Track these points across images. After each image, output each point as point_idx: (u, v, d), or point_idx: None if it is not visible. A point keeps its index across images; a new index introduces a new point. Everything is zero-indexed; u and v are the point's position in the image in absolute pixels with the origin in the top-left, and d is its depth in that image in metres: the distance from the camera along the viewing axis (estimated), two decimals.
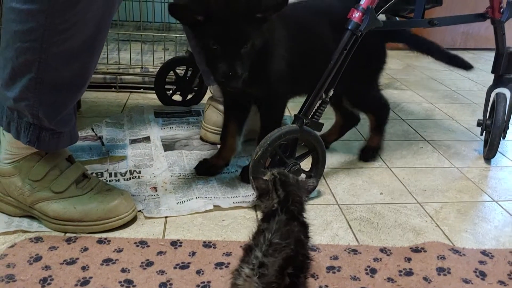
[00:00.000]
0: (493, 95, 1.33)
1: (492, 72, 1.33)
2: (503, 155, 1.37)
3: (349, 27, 1.02)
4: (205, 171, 1.16)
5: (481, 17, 1.25)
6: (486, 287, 0.82)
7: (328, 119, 1.31)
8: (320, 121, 1.05)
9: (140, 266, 0.83)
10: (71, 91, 0.87)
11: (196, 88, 1.57)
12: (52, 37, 0.78)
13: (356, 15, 1.03)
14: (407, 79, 2.15)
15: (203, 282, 0.79)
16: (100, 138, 1.32)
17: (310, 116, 1.04)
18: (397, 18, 1.36)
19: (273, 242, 0.66)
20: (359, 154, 1.31)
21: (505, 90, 1.31)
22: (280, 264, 0.63)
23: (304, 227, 0.74)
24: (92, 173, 1.09)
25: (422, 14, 1.20)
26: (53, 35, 0.78)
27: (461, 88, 2.04)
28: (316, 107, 1.05)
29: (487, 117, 1.34)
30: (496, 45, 1.29)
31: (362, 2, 1.03)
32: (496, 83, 1.33)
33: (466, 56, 2.68)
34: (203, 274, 0.81)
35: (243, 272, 0.64)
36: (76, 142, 0.96)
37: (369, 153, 1.30)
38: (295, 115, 1.03)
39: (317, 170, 1.08)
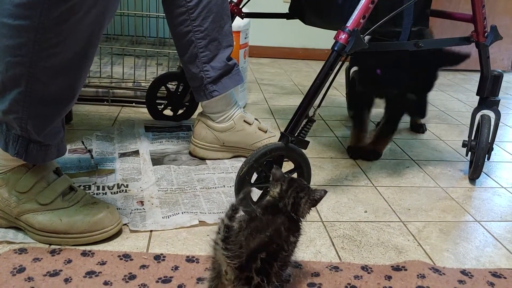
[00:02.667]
0: (478, 116, 1.36)
1: (477, 94, 1.35)
2: (488, 176, 1.39)
3: (335, 49, 1.05)
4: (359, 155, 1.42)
5: (466, 40, 1.28)
6: None
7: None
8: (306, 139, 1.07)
9: (123, 279, 0.83)
10: (60, 104, 0.88)
11: (187, 104, 1.59)
12: (42, 52, 0.80)
13: (342, 36, 1.05)
14: None
15: None
16: (90, 151, 1.34)
17: (296, 134, 1.06)
18: None
19: (252, 226, 0.72)
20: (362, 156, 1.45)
21: (489, 112, 1.34)
22: (254, 246, 0.68)
23: (292, 223, 0.77)
24: (79, 186, 1.10)
25: (408, 37, 1.23)
26: (43, 50, 0.80)
27: (450, 109, 2.07)
28: (302, 125, 1.07)
29: (472, 138, 1.37)
30: (481, 68, 1.31)
31: (348, 24, 1.05)
32: (481, 105, 1.35)
33: (457, 77, 2.74)
34: None
35: (217, 244, 0.68)
36: (63, 155, 0.97)
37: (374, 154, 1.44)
38: (281, 133, 1.05)
39: None
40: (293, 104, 1.99)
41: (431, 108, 2.07)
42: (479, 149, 1.30)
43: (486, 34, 1.27)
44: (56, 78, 0.84)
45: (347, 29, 1.05)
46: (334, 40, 1.07)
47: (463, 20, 1.31)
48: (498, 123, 1.33)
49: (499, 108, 1.33)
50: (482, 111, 1.35)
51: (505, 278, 0.92)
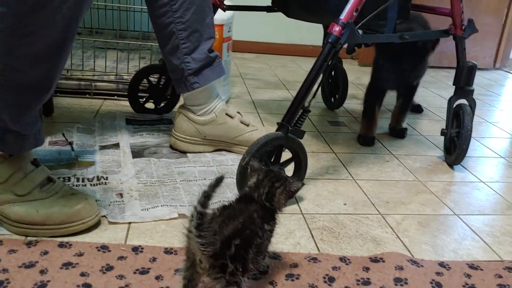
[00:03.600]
0: (454, 105, 1.40)
1: (454, 84, 1.39)
2: (467, 170, 1.41)
3: (330, 40, 1.07)
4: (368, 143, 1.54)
5: (445, 33, 1.31)
6: None
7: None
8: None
9: (100, 270, 0.83)
10: (36, 94, 0.87)
11: (169, 96, 1.58)
12: (18, 40, 0.79)
13: (336, 29, 1.07)
14: None
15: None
16: (71, 143, 1.32)
17: (293, 124, 1.07)
18: None
19: (225, 213, 0.73)
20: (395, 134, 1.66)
21: (464, 101, 1.38)
22: (228, 233, 0.69)
23: (266, 211, 0.77)
24: (59, 178, 1.09)
25: (393, 29, 1.25)
26: (19, 38, 0.78)
27: (431, 105, 2.09)
28: (298, 116, 1.08)
29: (452, 126, 1.41)
30: (457, 60, 1.36)
31: (342, 17, 1.08)
32: (457, 94, 1.40)
33: (440, 74, 2.76)
34: (162, 279, 0.82)
35: (190, 232, 0.69)
36: (41, 145, 0.96)
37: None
38: (279, 123, 1.06)
39: (300, 175, 1.12)
40: (277, 98, 1.99)
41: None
42: (463, 136, 1.33)
43: (463, 27, 1.30)
44: (32, 67, 0.83)
45: (340, 22, 1.08)
46: (321, 36, 1.09)
47: (442, 14, 1.34)
48: (474, 111, 1.37)
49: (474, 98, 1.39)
50: (458, 100, 1.39)
51: (481, 270, 0.93)
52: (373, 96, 1.59)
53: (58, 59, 0.86)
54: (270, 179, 0.79)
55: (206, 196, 0.66)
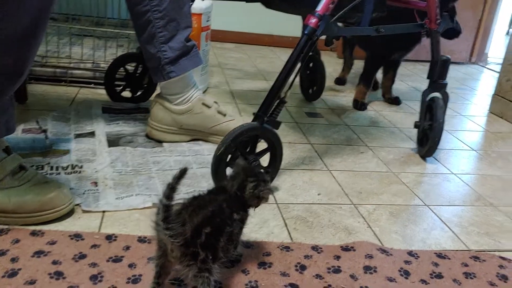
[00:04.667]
0: (427, 98, 1.43)
1: (428, 77, 1.42)
2: (439, 162, 1.44)
3: (306, 32, 1.08)
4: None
5: (420, 27, 1.33)
6: (409, 285, 0.87)
7: None
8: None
9: (72, 258, 0.83)
10: (6, 80, 0.86)
11: (145, 85, 1.57)
12: None
13: (313, 21, 1.09)
14: None
15: (135, 275, 0.80)
16: (45, 131, 1.31)
17: (269, 115, 1.08)
18: None
19: (195, 203, 0.74)
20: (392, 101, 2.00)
21: (438, 94, 1.41)
22: (198, 221, 0.70)
23: (236, 201, 0.79)
24: (32, 166, 1.08)
25: (369, 22, 1.26)
26: None
27: (407, 98, 2.12)
28: (274, 106, 1.09)
29: (424, 119, 1.44)
30: (432, 53, 1.38)
31: (318, 9, 1.09)
32: (431, 88, 1.42)
33: (417, 67, 2.80)
34: (135, 267, 0.82)
35: (158, 226, 0.69)
36: (12, 133, 0.94)
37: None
38: (255, 114, 1.07)
39: (275, 166, 1.13)
40: (255, 89, 1.99)
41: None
42: (435, 128, 1.36)
43: (438, 21, 1.32)
44: (4, 53, 0.82)
45: (317, 14, 1.09)
46: (300, 27, 1.10)
47: (417, 8, 1.36)
48: (447, 104, 1.40)
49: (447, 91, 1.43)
50: (431, 93, 1.42)
51: (449, 258, 0.96)
52: (373, 64, 1.90)
53: (31, 45, 0.85)
54: (245, 173, 0.81)
55: (171, 188, 0.67)
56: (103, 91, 1.60)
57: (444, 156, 1.49)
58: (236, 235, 0.78)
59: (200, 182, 1.13)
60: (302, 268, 0.87)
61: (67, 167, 1.14)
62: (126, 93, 1.58)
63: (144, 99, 1.59)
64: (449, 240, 1.03)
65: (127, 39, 1.88)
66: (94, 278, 0.78)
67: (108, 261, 0.83)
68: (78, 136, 1.31)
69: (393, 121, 1.78)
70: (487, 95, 2.28)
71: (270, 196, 1.09)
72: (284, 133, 1.51)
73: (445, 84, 1.40)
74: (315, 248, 0.93)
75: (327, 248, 0.94)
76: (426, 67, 1.43)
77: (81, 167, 1.14)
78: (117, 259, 0.84)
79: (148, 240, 0.90)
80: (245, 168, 0.83)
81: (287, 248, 0.92)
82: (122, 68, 1.55)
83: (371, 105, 1.94)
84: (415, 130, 1.51)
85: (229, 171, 1.07)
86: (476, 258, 0.97)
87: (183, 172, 0.68)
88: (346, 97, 2.03)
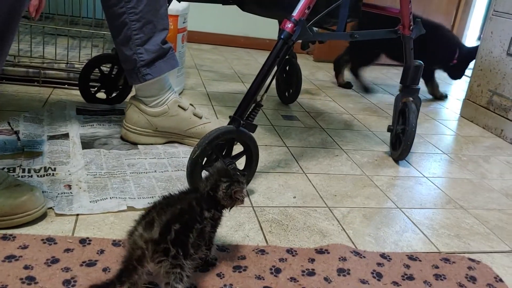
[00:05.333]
0: (400, 103, 1.46)
1: (401, 82, 1.45)
2: (411, 165, 1.47)
3: (282, 37, 1.09)
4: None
5: (393, 33, 1.35)
6: (381, 287, 0.88)
7: None
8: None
9: (45, 263, 0.82)
10: None
11: (121, 87, 1.56)
12: None
13: (289, 25, 1.10)
14: (332, 91, 2.24)
15: (109, 280, 0.79)
16: (16, 132, 1.28)
17: (245, 118, 1.08)
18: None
19: (164, 202, 0.76)
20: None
21: (410, 99, 1.44)
22: (167, 218, 0.72)
23: (207, 199, 0.80)
24: (3, 168, 1.06)
25: (344, 28, 1.28)
26: None
27: (381, 102, 2.16)
28: (250, 110, 1.10)
29: (397, 123, 1.47)
30: (405, 59, 1.41)
31: (294, 14, 1.10)
32: (403, 92, 1.45)
33: (391, 72, 2.85)
34: (109, 271, 0.81)
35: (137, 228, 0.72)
36: None
37: None
38: (231, 117, 1.07)
39: (251, 169, 1.13)
40: (231, 91, 2.00)
41: (363, 100, 2.16)
42: (408, 132, 1.39)
43: (411, 27, 1.35)
44: None
45: (293, 19, 1.10)
46: (277, 29, 1.11)
47: (391, 14, 1.38)
48: (419, 108, 1.43)
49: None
50: (404, 97, 1.45)
51: (420, 260, 0.98)
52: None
53: (2, 45, 0.84)
54: (219, 173, 0.82)
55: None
56: (78, 92, 1.58)
57: (417, 160, 1.53)
58: (208, 234, 0.79)
59: (175, 185, 1.13)
60: (277, 271, 0.88)
61: (40, 169, 1.12)
62: (101, 95, 1.57)
63: (119, 101, 1.57)
64: (420, 242, 1.06)
65: (102, 39, 1.86)
66: (67, 283, 0.77)
67: (81, 265, 0.82)
68: (51, 137, 1.29)
69: (367, 125, 1.81)
70: (458, 100, 2.34)
71: (246, 199, 1.10)
72: (260, 136, 1.52)
73: (418, 89, 1.43)
74: (290, 251, 0.94)
75: (301, 251, 0.95)
76: (400, 71, 1.45)
77: (54, 169, 1.13)
78: (91, 263, 0.83)
79: (123, 243, 0.89)
80: (220, 169, 0.84)
81: (262, 251, 0.93)
82: (97, 69, 1.54)
83: (346, 109, 1.97)
84: (389, 134, 1.54)
85: (204, 174, 1.07)
86: (446, 260, 0.99)
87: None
88: (321, 100, 2.05)
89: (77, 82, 1.59)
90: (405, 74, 1.41)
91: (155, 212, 0.73)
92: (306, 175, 1.30)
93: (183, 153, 1.30)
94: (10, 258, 0.81)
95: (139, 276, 0.70)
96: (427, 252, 1.02)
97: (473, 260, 1.00)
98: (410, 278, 0.92)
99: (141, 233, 0.71)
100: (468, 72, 2.90)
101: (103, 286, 0.67)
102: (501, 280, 0.94)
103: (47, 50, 1.74)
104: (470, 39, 3.75)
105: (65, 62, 1.73)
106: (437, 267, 0.96)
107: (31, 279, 0.77)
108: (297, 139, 1.55)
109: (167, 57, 1.26)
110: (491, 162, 1.60)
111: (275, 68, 1.12)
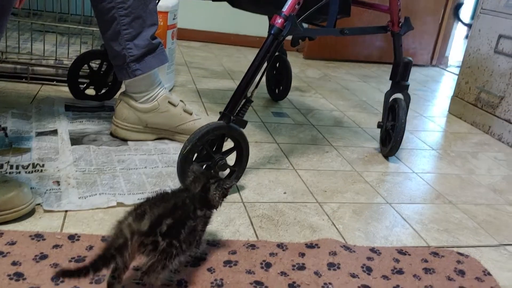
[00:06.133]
0: (390, 99, 1.47)
1: (390, 79, 1.45)
2: (401, 161, 1.48)
3: (272, 32, 1.09)
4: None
5: (383, 29, 1.36)
6: (371, 281, 0.89)
7: None
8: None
9: (33, 259, 0.81)
10: None
11: (110, 83, 1.55)
12: None
13: (279, 21, 1.09)
14: (323, 88, 2.25)
15: (98, 276, 0.79)
16: (4, 129, 1.27)
17: (235, 114, 1.08)
18: None
19: (157, 197, 0.76)
20: None
21: (400, 95, 1.45)
22: (159, 212, 0.72)
23: (199, 198, 0.80)
24: None
25: (334, 24, 1.28)
26: None
27: (371, 99, 2.17)
28: (240, 106, 1.09)
29: (387, 119, 1.47)
30: (394, 55, 1.42)
31: (284, 9, 1.10)
32: (393, 89, 1.46)
33: (381, 69, 2.86)
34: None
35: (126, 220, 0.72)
36: None
37: None
38: (222, 113, 1.07)
39: (241, 165, 1.13)
40: (222, 88, 1.99)
41: (353, 97, 2.16)
42: (397, 128, 1.39)
43: (400, 24, 1.36)
44: None
45: (283, 14, 1.10)
46: (267, 27, 1.11)
47: (381, 11, 1.39)
48: (409, 105, 1.44)
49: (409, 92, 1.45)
50: (394, 94, 1.46)
51: (409, 255, 0.98)
52: None
53: None
54: (206, 176, 0.83)
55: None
56: (66, 89, 1.56)
57: (406, 156, 1.54)
58: (199, 232, 0.79)
59: (165, 181, 1.13)
60: (267, 265, 0.88)
61: (28, 166, 1.11)
62: (90, 91, 1.56)
63: (108, 97, 1.56)
64: (410, 237, 1.06)
65: (91, 36, 1.85)
66: (56, 279, 0.77)
67: (70, 261, 0.82)
68: (39, 134, 1.27)
69: (357, 121, 1.81)
70: (447, 97, 2.36)
71: (236, 195, 1.11)
72: (250, 133, 1.52)
73: (407, 85, 1.44)
74: (280, 245, 0.94)
75: (292, 246, 0.95)
76: (389, 69, 1.46)
77: (43, 165, 1.12)
78: (79, 259, 0.82)
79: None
80: (204, 172, 0.86)
81: (252, 246, 0.93)
82: (86, 66, 1.52)
83: (336, 106, 1.98)
84: (378, 130, 1.55)
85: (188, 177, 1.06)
86: (435, 254, 1.00)
87: None
88: (311, 97, 2.06)
89: (65, 79, 1.57)
90: (395, 71, 1.42)
91: (147, 205, 0.73)
92: (297, 171, 1.30)
93: (173, 150, 1.29)
94: None
95: (118, 264, 0.69)
96: (417, 247, 1.02)
97: (461, 254, 1.01)
98: (400, 272, 0.92)
99: (130, 223, 0.70)
100: (457, 70, 2.93)
101: (76, 271, 0.65)
102: (489, 274, 0.95)
103: (35, 46, 1.72)
104: (457, 38, 3.78)
105: (54, 58, 1.71)
106: (426, 261, 0.97)
107: (19, 275, 0.76)
108: (287, 136, 1.55)
109: (156, 53, 1.25)
110: (479, 158, 1.61)
111: (265, 64, 1.12)
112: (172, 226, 0.72)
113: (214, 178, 0.83)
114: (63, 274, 0.65)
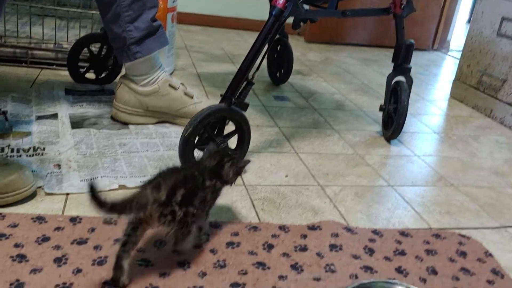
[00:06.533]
0: (392, 82, 1.46)
1: (392, 61, 1.44)
2: (403, 144, 1.47)
3: (273, 13, 1.08)
4: None
5: (385, 11, 1.34)
6: (373, 262, 0.89)
7: None
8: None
9: (35, 241, 0.81)
10: None
11: (110, 67, 1.53)
12: None
13: (280, 1, 1.08)
14: (324, 71, 2.23)
15: (100, 257, 0.79)
16: (4, 113, 1.26)
17: (237, 96, 1.07)
18: None
19: (168, 170, 0.79)
20: None
21: (402, 78, 1.44)
22: (172, 183, 0.75)
23: (209, 171, 0.83)
24: None
25: (336, 5, 1.27)
26: None
27: (372, 82, 2.16)
28: (242, 88, 1.08)
29: (389, 102, 1.46)
30: (396, 38, 1.40)
31: None
32: (395, 71, 1.45)
33: (383, 53, 2.84)
34: (100, 249, 0.81)
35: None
36: None
37: None
38: (223, 95, 1.06)
39: (243, 148, 1.13)
40: (222, 71, 1.98)
41: (354, 80, 2.15)
42: (400, 111, 1.38)
43: (402, 6, 1.34)
44: None
45: None
46: (267, 11, 1.10)
47: None
48: (411, 87, 1.43)
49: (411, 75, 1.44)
50: (396, 77, 1.44)
51: (411, 236, 0.98)
52: None
53: None
54: (221, 154, 0.85)
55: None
56: (66, 73, 1.55)
57: (408, 139, 1.53)
58: (209, 202, 0.83)
59: (167, 164, 1.12)
60: (269, 247, 0.88)
61: (29, 149, 1.10)
62: (90, 75, 1.55)
63: (109, 81, 1.55)
64: (412, 219, 1.06)
65: (91, 20, 1.83)
66: (58, 261, 0.77)
67: (72, 243, 0.82)
68: (39, 118, 1.27)
69: (359, 105, 1.80)
70: (448, 81, 2.34)
71: (239, 178, 1.11)
72: (251, 117, 1.51)
73: (409, 68, 1.43)
74: (282, 227, 0.94)
75: (294, 228, 0.95)
76: (391, 52, 1.44)
77: (44, 149, 1.11)
78: (81, 241, 0.82)
79: (114, 221, 0.88)
80: (219, 150, 0.88)
81: (254, 228, 0.93)
82: (86, 49, 1.51)
83: (337, 89, 1.96)
84: (381, 114, 1.54)
85: (197, 153, 1.06)
86: (437, 236, 1.00)
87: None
88: (313, 80, 2.05)
89: (65, 63, 1.56)
90: (397, 53, 1.41)
91: (161, 178, 0.76)
92: (298, 155, 1.29)
93: (174, 133, 1.29)
94: (0, 236, 0.80)
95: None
96: (419, 228, 1.02)
97: (463, 236, 1.01)
98: (402, 253, 0.92)
99: (151, 191, 0.73)
100: (458, 54, 2.91)
101: (99, 201, 0.69)
102: (490, 255, 0.95)
103: (34, 30, 1.71)
104: (459, 22, 3.75)
105: (53, 42, 1.70)
106: (428, 243, 0.97)
107: (22, 257, 0.77)
108: (289, 120, 1.55)
109: (157, 35, 1.24)
110: (481, 141, 1.60)
111: (266, 46, 1.11)
112: (185, 196, 0.75)
113: (229, 156, 0.86)
114: (91, 188, 0.69)
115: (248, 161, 0.88)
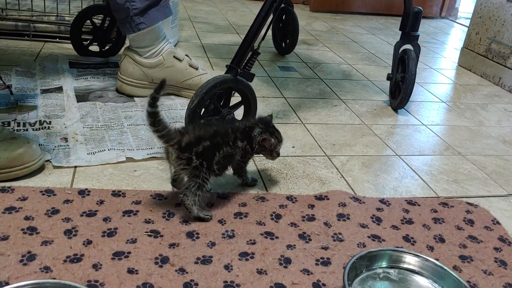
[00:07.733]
0: (400, 50, 1.43)
1: (400, 29, 1.42)
2: (410, 114, 1.46)
3: None
4: None
5: None
6: (380, 231, 0.89)
7: None
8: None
9: (45, 214, 0.82)
10: None
11: (114, 39, 1.52)
12: None
13: None
14: (330, 41, 2.20)
15: (110, 229, 0.80)
16: (9, 87, 1.26)
17: (242, 67, 1.06)
18: None
19: (203, 123, 0.91)
20: None
21: (410, 47, 1.41)
22: (199, 134, 0.83)
23: (243, 133, 0.90)
24: None
25: None
26: None
27: (379, 51, 2.12)
28: (247, 58, 1.07)
29: (397, 71, 1.45)
30: (404, 5, 1.38)
31: None
32: (403, 39, 1.42)
33: (389, 21, 2.80)
34: (110, 221, 0.82)
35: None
36: None
37: None
38: (228, 66, 1.05)
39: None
40: (227, 42, 1.96)
41: (361, 50, 2.12)
42: (407, 80, 1.37)
43: None
44: None
45: None
46: None
47: None
48: (419, 56, 1.41)
49: (419, 43, 1.42)
50: (403, 45, 1.42)
51: (418, 205, 0.99)
52: None
53: None
54: (260, 119, 0.93)
55: (154, 98, 0.77)
56: (70, 46, 1.54)
57: (415, 108, 1.52)
58: (239, 163, 0.91)
59: None
60: (277, 217, 0.88)
61: (35, 123, 1.10)
62: (94, 47, 1.53)
63: (112, 54, 1.54)
64: (419, 188, 1.06)
65: None
66: (69, 233, 0.78)
67: (82, 215, 0.82)
68: (44, 91, 1.26)
69: (366, 74, 1.78)
70: (456, 49, 2.31)
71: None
72: (257, 87, 1.50)
73: (417, 36, 1.40)
74: (289, 198, 0.95)
75: (301, 198, 0.95)
76: (398, 21, 1.42)
77: (50, 122, 1.11)
78: (91, 214, 0.83)
79: (122, 193, 0.89)
80: (263, 117, 0.94)
81: (262, 198, 0.93)
82: (88, 21, 1.49)
83: (344, 59, 1.94)
84: (388, 83, 1.52)
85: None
86: (444, 204, 1.00)
87: (163, 83, 0.76)
88: (319, 50, 2.02)
89: (68, 36, 1.55)
90: (405, 21, 1.38)
91: (191, 127, 0.84)
92: (305, 125, 1.29)
93: (180, 105, 1.28)
94: (10, 209, 0.81)
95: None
96: (426, 197, 1.02)
97: (471, 204, 1.01)
98: (409, 222, 0.92)
99: (178, 134, 0.81)
100: (466, 21, 2.85)
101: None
102: (498, 223, 0.96)
103: (35, 3, 1.68)
104: None
105: (55, 15, 1.68)
106: (435, 211, 0.97)
107: (32, 230, 0.77)
108: (295, 90, 1.53)
109: (160, 5, 1.22)
110: (489, 110, 1.59)
111: (272, 15, 1.09)
112: (208, 148, 0.82)
113: (264, 125, 0.91)
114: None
115: (281, 141, 0.93)
